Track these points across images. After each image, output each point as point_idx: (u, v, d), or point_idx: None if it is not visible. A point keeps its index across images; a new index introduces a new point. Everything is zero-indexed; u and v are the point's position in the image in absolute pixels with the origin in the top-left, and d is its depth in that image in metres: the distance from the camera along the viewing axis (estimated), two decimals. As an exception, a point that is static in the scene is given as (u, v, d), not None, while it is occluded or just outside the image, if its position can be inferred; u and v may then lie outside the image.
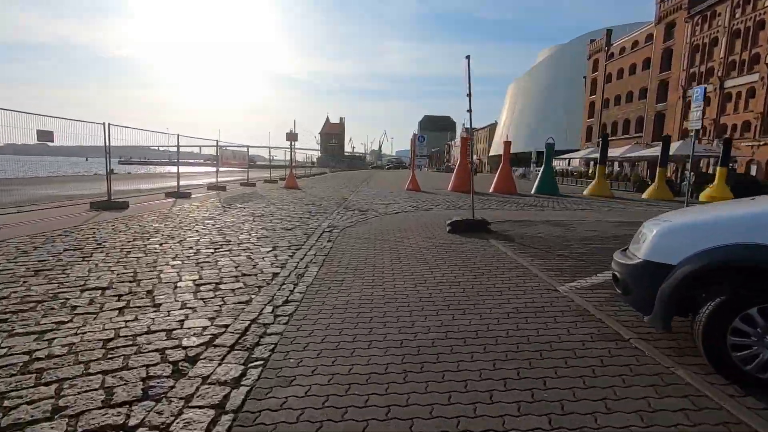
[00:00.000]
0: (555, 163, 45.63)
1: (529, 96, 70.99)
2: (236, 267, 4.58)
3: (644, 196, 17.98)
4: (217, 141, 15.11)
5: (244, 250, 5.45)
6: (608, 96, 47.18)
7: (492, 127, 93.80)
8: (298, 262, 4.80)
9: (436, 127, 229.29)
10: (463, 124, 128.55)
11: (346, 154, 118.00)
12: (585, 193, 19.01)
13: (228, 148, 17.63)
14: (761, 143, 28.03)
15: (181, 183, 12.65)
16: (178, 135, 12.50)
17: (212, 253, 5.22)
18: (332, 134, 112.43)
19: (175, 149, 13.22)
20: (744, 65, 29.62)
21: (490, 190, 19.03)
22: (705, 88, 10.54)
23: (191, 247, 5.48)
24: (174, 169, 13.52)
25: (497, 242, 6.11)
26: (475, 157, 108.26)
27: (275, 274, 4.33)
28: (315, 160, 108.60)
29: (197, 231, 6.71)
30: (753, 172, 28.29)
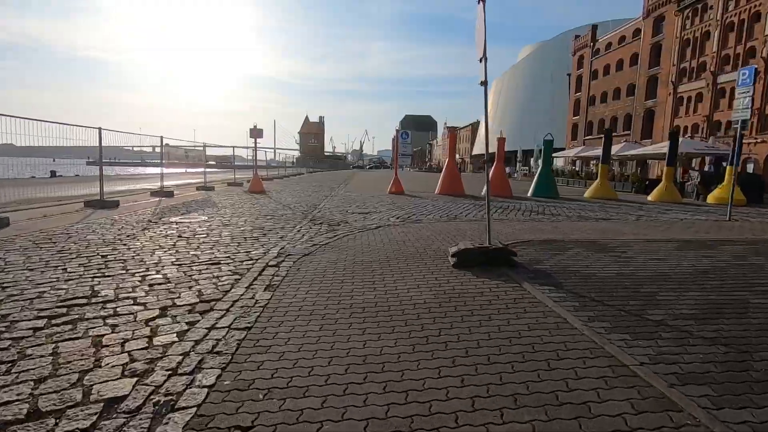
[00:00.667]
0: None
1: (513, 94, 69.78)
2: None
3: (651, 198, 16.20)
4: (161, 137, 12.51)
5: (100, 319, 3.02)
6: (594, 93, 45.98)
7: (475, 126, 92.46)
8: (176, 366, 2.42)
9: (417, 126, 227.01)
10: (445, 124, 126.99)
11: (326, 154, 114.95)
12: (587, 195, 17.10)
13: (181, 147, 15.02)
14: (758, 140, 26.84)
15: (125, 187, 10.10)
16: (162, 137, 10.18)
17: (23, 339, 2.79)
18: (312, 134, 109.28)
19: (149, 150, 11.24)
20: (739, 59, 28.42)
21: (483, 193, 16.98)
22: (755, 69, 8.57)
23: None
24: (137, 170, 11.50)
25: (537, 289, 3.86)
26: (457, 156, 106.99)
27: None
28: (294, 160, 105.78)
29: (61, 275, 4.24)
30: (750, 169, 27.09)
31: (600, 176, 17.15)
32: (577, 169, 42.95)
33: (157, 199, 11.86)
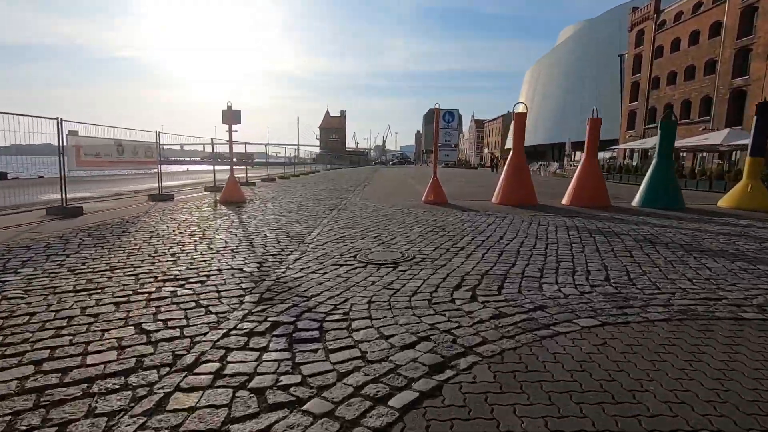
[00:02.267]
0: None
1: (551, 81, 62.82)
2: None
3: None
4: (59, 118, 7.71)
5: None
6: (659, 73, 39.11)
7: (506, 118, 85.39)
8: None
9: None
10: (472, 117, 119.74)
11: (347, 149, 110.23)
12: (727, 204, 11.34)
13: (126, 140, 10.19)
14: None
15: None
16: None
17: None
18: (332, 129, 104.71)
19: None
20: None
21: (565, 202, 11.52)
22: None
23: None
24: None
25: None
26: (486, 151, 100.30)
27: None
28: (315, 156, 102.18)
29: None
30: None
31: (747, 176, 11.31)
32: (634, 162, 36.45)
33: (53, 219, 7.01)
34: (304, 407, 1.90)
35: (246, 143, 22.43)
